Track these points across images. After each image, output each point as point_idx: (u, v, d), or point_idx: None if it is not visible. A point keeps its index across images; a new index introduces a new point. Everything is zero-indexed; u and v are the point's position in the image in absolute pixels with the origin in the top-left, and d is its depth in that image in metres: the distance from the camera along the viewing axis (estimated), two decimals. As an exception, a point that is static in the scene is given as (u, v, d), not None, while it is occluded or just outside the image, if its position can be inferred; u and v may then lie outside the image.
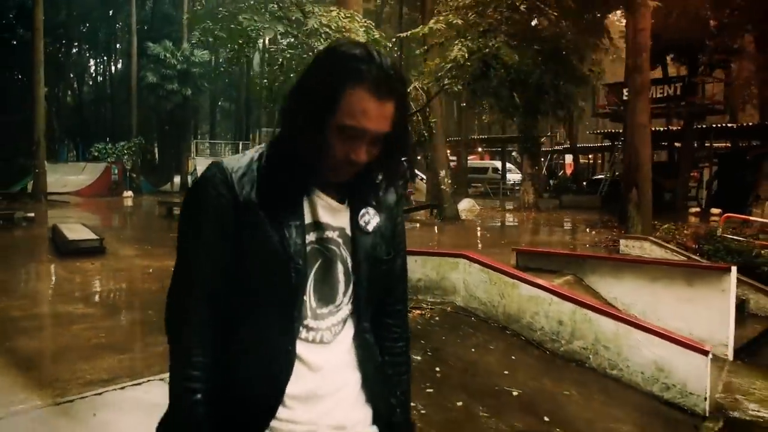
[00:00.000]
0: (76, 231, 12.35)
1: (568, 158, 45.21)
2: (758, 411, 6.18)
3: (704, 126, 26.75)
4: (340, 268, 1.36)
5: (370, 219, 1.40)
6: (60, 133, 46.08)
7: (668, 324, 7.90)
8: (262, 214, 1.27)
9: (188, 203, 1.34)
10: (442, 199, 19.21)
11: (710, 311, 7.77)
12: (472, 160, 46.94)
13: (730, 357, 7.67)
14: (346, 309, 1.38)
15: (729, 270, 7.69)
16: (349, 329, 1.39)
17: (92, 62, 56.02)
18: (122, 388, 4.45)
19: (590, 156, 47.82)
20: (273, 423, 1.29)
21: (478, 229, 16.68)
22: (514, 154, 40.22)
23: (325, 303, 1.35)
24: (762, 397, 6.57)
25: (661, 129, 29.70)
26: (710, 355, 5.88)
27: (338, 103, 1.21)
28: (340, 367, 1.36)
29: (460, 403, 4.92)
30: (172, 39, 37.34)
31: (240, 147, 39.81)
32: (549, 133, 48.67)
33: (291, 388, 1.29)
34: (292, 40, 6.42)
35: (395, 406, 1.49)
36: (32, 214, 17.90)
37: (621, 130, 22.21)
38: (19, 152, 32.92)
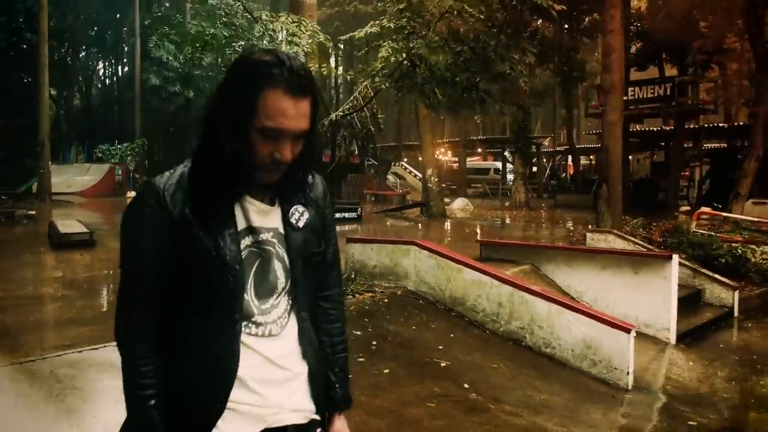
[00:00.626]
0: (70, 226, 12.92)
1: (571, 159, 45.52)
2: (681, 386, 6.63)
3: (695, 126, 27.08)
4: (278, 265, 1.46)
5: (300, 216, 1.49)
6: (68, 135, 46.90)
7: (616, 310, 8.39)
8: (196, 227, 1.35)
9: (125, 223, 1.42)
10: (429, 197, 19.68)
11: (654, 297, 8.20)
12: (475, 161, 47.34)
13: (672, 341, 8.08)
14: (284, 300, 1.49)
15: (670, 258, 8.11)
16: (294, 318, 1.51)
17: (100, 65, 56.98)
18: (80, 351, 4.99)
19: (591, 157, 48.11)
20: (238, 406, 1.40)
21: (461, 225, 17.13)
22: (506, 154, 40.56)
23: (265, 299, 1.45)
24: (689, 376, 7.01)
25: (655, 129, 30.08)
26: (633, 333, 6.31)
27: (256, 106, 1.30)
28: (292, 356, 1.48)
29: (387, 371, 5.41)
30: (174, 42, 38.01)
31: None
32: (552, 134, 49.04)
33: (252, 374, 1.40)
34: (243, 43, 6.95)
35: (334, 382, 1.60)
36: (33, 212, 18.54)
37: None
38: (25, 154, 33.63)
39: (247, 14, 6.61)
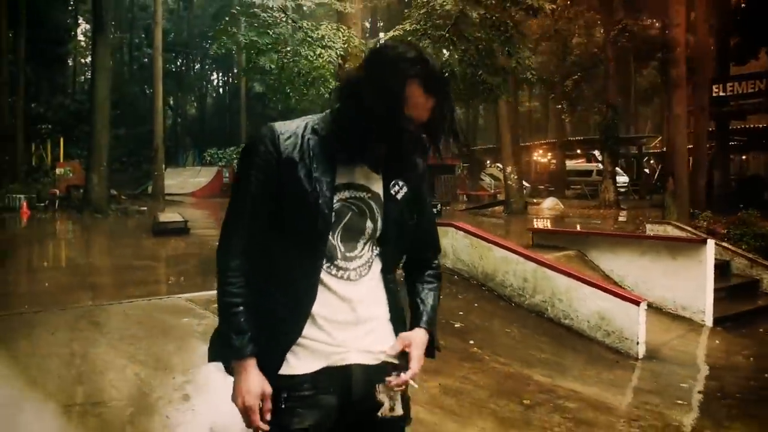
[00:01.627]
0: (169, 217, 14.59)
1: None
2: (693, 358, 6.95)
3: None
4: (369, 223, 1.59)
5: (399, 189, 1.62)
6: (183, 141, 50.59)
7: (655, 293, 8.73)
8: (300, 170, 1.50)
9: (244, 154, 1.58)
10: (509, 194, 20.09)
11: (690, 281, 8.45)
12: (578, 163, 46.46)
13: (709, 323, 8.29)
14: (367, 254, 1.62)
15: (705, 242, 8.34)
16: (375, 273, 1.64)
17: (214, 76, 60.89)
18: (149, 299, 6.17)
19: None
20: (308, 342, 1.53)
21: (534, 220, 17.48)
22: (595, 153, 39.64)
23: (351, 248, 1.58)
24: (707, 352, 7.29)
25: (761, 126, 28.67)
26: (643, 306, 6.72)
27: (403, 96, 1.42)
28: (366, 302, 1.60)
29: (402, 327, 6.20)
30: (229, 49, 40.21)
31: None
32: (661, 136, 47.33)
33: (324, 313, 1.54)
34: (289, 48, 7.91)
35: (422, 311, 1.74)
36: (144, 208, 20.71)
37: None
38: (144, 159, 36.86)
39: (292, 23, 7.61)
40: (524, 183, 35.27)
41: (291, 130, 1.55)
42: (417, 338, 1.67)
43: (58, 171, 25.88)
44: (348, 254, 1.58)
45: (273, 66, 8.46)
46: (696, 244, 8.49)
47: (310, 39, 7.53)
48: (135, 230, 14.97)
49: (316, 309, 1.53)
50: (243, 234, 1.54)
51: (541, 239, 10.49)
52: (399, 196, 1.62)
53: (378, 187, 1.61)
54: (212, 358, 1.62)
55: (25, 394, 3.94)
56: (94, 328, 5.19)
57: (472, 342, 6.08)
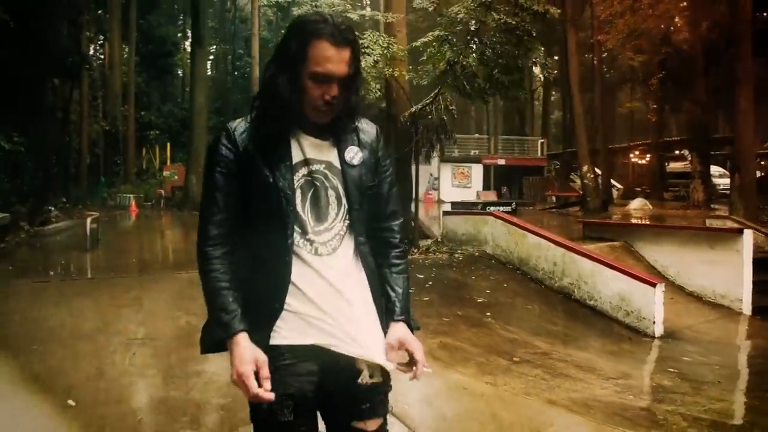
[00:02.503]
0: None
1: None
2: (712, 340, 7.26)
3: None
4: (331, 193, 1.66)
5: (354, 155, 1.68)
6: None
7: (695, 282, 9.05)
8: (257, 159, 1.61)
9: (207, 154, 1.71)
10: (586, 193, 20.19)
11: (728, 271, 8.66)
12: (681, 165, 44.72)
13: (746, 311, 8.46)
14: (338, 226, 1.67)
15: (742, 232, 8.54)
16: (348, 243, 1.69)
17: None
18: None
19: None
20: (291, 316, 1.61)
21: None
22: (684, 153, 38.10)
23: (320, 222, 1.65)
24: (730, 336, 7.56)
25: None
26: (660, 288, 7.12)
27: (306, 54, 1.54)
28: (340, 273, 1.65)
29: (426, 299, 6.98)
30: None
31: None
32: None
33: (302, 284, 1.61)
34: None
35: (393, 298, 1.74)
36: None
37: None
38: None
39: None
40: (615, 184, 34.64)
41: (242, 122, 1.67)
42: (402, 335, 1.70)
43: (164, 173, 28.34)
44: (317, 228, 1.65)
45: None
46: (733, 234, 8.69)
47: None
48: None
49: (296, 280, 1.61)
50: (216, 223, 1.64)
51: (592, 231, 10.88)
52: (355, 162, 1.68)
53: (333, 157, 1.68)
54: (205, 349, 1.69)
55: (102, 329, 5.11)
56: (165, 289, 6.34)
57: (488, 314, 6.75)
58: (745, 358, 6.71)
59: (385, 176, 1.79)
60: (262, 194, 1.61)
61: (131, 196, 23.94)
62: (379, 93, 10.35)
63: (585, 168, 20.12)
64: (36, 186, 15.69)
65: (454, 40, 7.54)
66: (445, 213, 9.72)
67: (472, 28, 7.41)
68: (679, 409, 4.49)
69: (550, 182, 34.21)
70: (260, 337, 1.57)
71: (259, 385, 1.51)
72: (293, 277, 1.60)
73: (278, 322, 1.59)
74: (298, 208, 1.63)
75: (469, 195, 31.80)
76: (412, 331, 1.73)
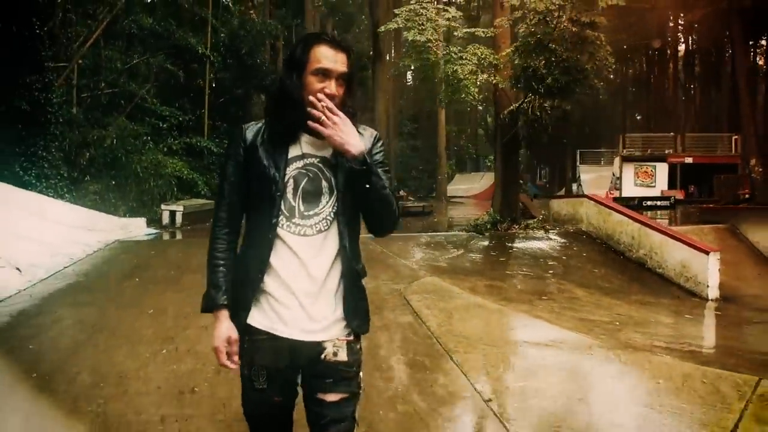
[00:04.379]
0: (413, 203, 18.52)
1: None
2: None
3: None
4: (324, 183, 1.94)
5: None
6: (470, 150, 55.27)
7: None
8: (259, 152, 1.94)
9: (225, 148, 2.12)
10: (752, 187, 19.68)
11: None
12: None
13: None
14: (327, 210, 1.93)
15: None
16: (334, 226, 1.94)
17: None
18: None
19: None
20: (267, 299, 1.91)
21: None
22: None
23: (310, 207, 1.92)
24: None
25: None
26: (714, 255, 8.09)
27: (308, 56, 1.88)
28: (318, 255, 1.91)
29: (502, 260, 8.69)
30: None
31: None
32: None
33: (278, 265, 1.89)
34: (442, 66, 10.65)
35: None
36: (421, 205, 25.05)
37: None
38: (434, 166, 42.13)
39: (437, 51, 10.42)
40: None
41: (255, 126, 1.99)
42: None
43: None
44: (306, 213, 1.90)
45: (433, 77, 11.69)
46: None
47: (452, 57, 10.39)
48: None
49: (272, 260, 1.88)
50: (225, 208, 1.98)
51: (706, 216, 11.63)
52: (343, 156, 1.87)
53: (329, 152, 1.93)
54: (201, 310, 1.98)
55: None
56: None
57: (550, 272, 8.30)
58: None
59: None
60: (258, 182, 1.91)
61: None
62: (479, 95, 12.08)
63: (753, 161, 19.60)
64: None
65: (525, 50, 9.12)
66: (552, 197, 11.18)
67: (537, 38, 8.98)
68: (662, 342, 5.83)
69: (745, 180, 32.25)
70: (241, 314, 1.90)
71: (229, 358, 1.88)
72: (272, 258, 1.88)
73: (254, 304, 1.90)
74: (289, 195, 1.90)
75: (652, 194, 31.27)
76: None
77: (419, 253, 8.83)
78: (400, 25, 10.78)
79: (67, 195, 11.90)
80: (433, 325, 5.51)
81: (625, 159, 30.71)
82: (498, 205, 11.16)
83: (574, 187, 39.82)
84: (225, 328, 1.91)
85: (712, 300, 7.99)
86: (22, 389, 4.20)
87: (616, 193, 32.96)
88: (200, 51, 18.82)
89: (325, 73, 1.87)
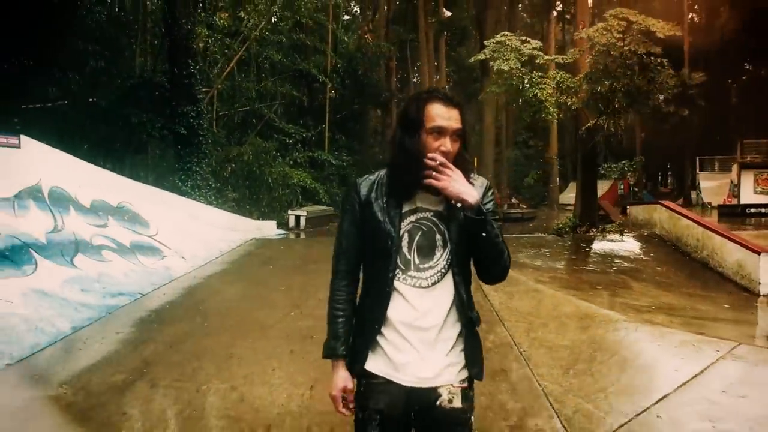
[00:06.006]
0: (516, 210, 19.83)
1: None
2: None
3: None
4: (438, 237, 2.02)
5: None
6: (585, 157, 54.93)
7: None
8: (374, 207, 2.02)
9: (341, 202, 2.19)
10: None
11: None
12: None
13: None
14: (442, 264, 2.01)
15: None
16: (448, 277, 2.02)
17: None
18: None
19: None
20: (385, 345, 2.00)
21: None
22: None
23: (425, 260, 2.01)
24: None
25: None
26: (764, 255, 8.98)
27: (423, 115, 1.95)
28: (434, 306, 1.99)
29: (574, 257, 10.02)
30: (672, 66, 41.70)
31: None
32: None
33: (396, 316, 1.99)
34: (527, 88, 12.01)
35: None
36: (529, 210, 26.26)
37: None
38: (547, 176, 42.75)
39: (522, 77, 11.74)
40: None
41: (369, 180, 2.10)
42: None
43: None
44: (422, 266, 2.01)
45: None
46: None
47: (532, 82, 11.73)
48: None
49: (390, 312, 1.99)
50: (343, 260, 2.12)
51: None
52: (459, 206, 1.93)
53: (443, 206, 2.02)
54: (323, 356, 2.12)
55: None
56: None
57: (614, 269, 9.56)
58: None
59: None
60: (375, 236, 2.02)
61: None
62: (559, 115, 13.30)
63: None
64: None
65: (592, 77, 10.38)
66: (629, 204, 12.31)
67: (600, 67, 10.25)
68: (680, 321, 7.11)
69: None
70: (359, 360, 2.03)
71: (344, 405, 2.05)
72: (390, 309, 1.99)
73: (372, 351, 2.02)
74: (404, 248, 2.01)
75: (772, 202, 30.39)
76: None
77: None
78: (487, 56, 12.34)
79: (213, 202, 14.47)
80: (496, 303, 7.11)
81: (744, 165, 30.05)
82: (578, 210, 12.39)
83: (693, 195, 39.16)
84: (341, 378, 2.06)
85: (763, 296, 8.87)
86: (196, 334, 6.32)
87: (734, 201, 32.16)
88: (320, 79, 21.28)
89: (440, 131, 1.95)
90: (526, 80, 11.68)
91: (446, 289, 2.01)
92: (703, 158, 40.35)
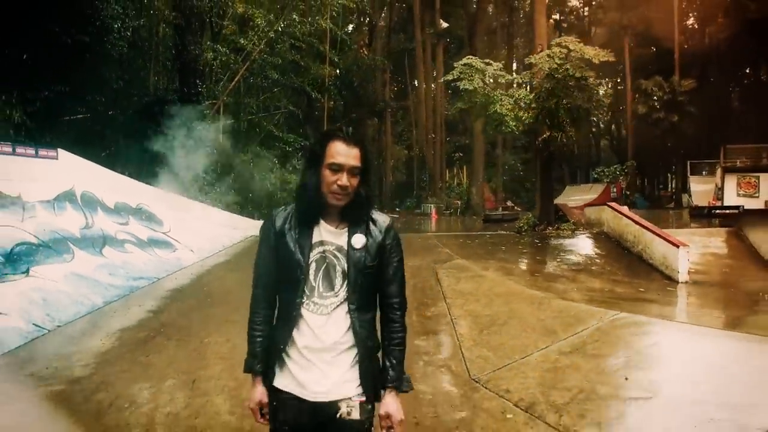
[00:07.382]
0: (496, 212, 21.47)
1: None
2: (733, 285, 10.43)
3: None
4: (338, 270, 2.23)
5: (358, 240, 2.23)
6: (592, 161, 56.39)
7: (773, 256, 11.83)
8: (287, 238, 2.23)
9: (260, 231, 2.37)
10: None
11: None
12: None
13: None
14: (342, 294, 2.22)
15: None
16: (343, 307, 2.22)
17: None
18: (457, 233, 13.07)
19: None
20: (289, 364, 2.22)
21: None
22: None
23: (328, 290, 2.23)
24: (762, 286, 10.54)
25: None
26: (683, 249, 10.60)
27: (325, 152, 2.15)
28: (333, 331, 2.21)
29: (525, 251, 11.67)
30: (663, 73, 43.26)
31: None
32: None
33: (299, 339, 2.21)
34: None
35: (388, 367, 2.28)
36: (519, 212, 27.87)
37: None
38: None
39: (486, 95, 13.45)
40: None
41: (284, 212, 2.30)
42: (390, 409, 2.24)
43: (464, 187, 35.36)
44: (325, 293, 2.21)
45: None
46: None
47: (494, 99, 13.45)
48: (478, 220, 22.26)
49: (295, 334, 2.21)
50: (261, 285, 2.35)
51: (724, 221, 13.87)
52: (357, 246, 2.21)
53: (343, 241, 2.23)
54: (244, 370, 2.35)
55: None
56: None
57: (558, 260, 11.19)
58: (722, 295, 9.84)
59: (390, 261, 2.30)
60: (287, 264, 2.22)
61: (432, 205, 31.24)
62: (518, 128, 14.91)
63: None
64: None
65: (540, 96, 12.12)
66: (587, 205, 13.96)
67: (546, 87, 12.02)
68: (585, 296, 8.75)
69: None
70: (270, 377, 2.26)
71: (262, 416, 2.30)
72: (295, 332, 2.21)
73: (280, 369, 2.24)
74: (311, 277, 2.22)
75: (755, 205, 31.81)
76: (404, 390, 2.30)
77: (464, 245, 12.06)
78: (455, 77, 14.00)
79: (218, 204, 16.20)
80: (444, 285, 8.79)
81: (727, 169, 31.57)
82: (537, 211, 14.04)
83: (684, 198, 40.56)
84: (258, 392, 2.30)
85: (682, 282, 10.48)
86: (204, 306, 8.05)
87: (718, 203, 33.55)
88: (315, 96, 23.07)
89: (338, 168, 2.13)
90: (489, 97, 13.36)
91: (343, 317, 2.22)
92: (694, 162, 41.72)
